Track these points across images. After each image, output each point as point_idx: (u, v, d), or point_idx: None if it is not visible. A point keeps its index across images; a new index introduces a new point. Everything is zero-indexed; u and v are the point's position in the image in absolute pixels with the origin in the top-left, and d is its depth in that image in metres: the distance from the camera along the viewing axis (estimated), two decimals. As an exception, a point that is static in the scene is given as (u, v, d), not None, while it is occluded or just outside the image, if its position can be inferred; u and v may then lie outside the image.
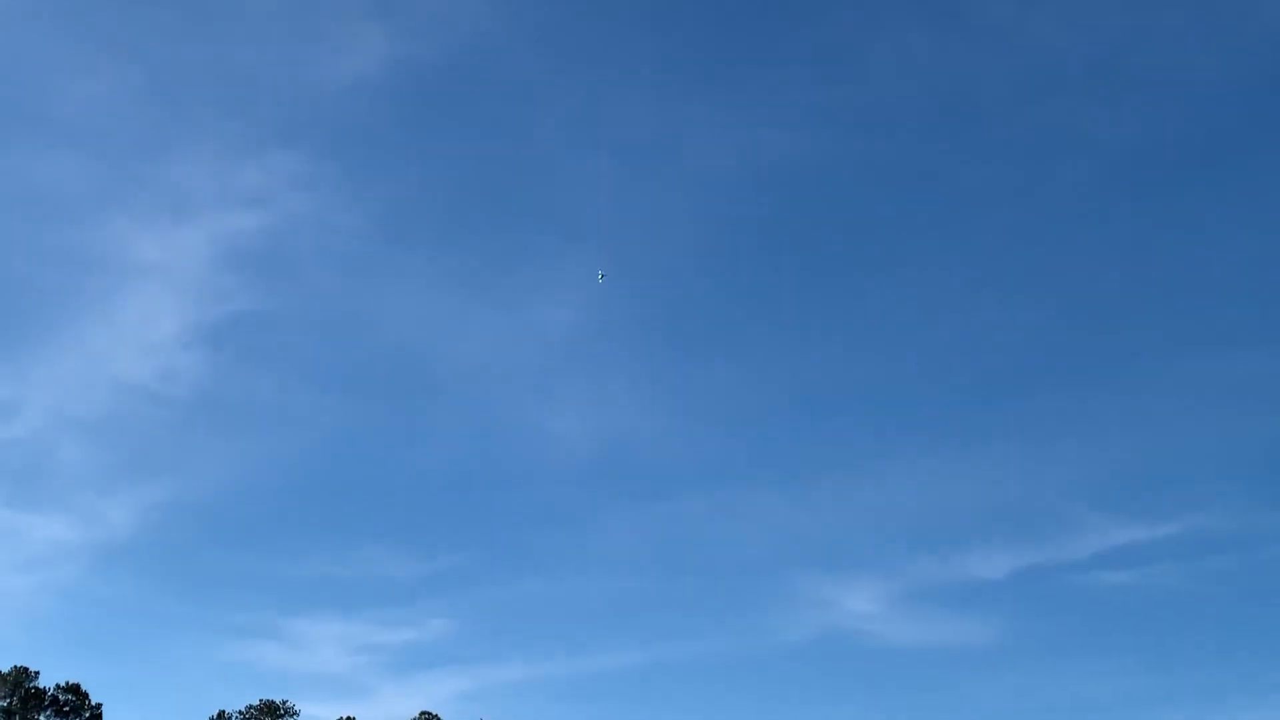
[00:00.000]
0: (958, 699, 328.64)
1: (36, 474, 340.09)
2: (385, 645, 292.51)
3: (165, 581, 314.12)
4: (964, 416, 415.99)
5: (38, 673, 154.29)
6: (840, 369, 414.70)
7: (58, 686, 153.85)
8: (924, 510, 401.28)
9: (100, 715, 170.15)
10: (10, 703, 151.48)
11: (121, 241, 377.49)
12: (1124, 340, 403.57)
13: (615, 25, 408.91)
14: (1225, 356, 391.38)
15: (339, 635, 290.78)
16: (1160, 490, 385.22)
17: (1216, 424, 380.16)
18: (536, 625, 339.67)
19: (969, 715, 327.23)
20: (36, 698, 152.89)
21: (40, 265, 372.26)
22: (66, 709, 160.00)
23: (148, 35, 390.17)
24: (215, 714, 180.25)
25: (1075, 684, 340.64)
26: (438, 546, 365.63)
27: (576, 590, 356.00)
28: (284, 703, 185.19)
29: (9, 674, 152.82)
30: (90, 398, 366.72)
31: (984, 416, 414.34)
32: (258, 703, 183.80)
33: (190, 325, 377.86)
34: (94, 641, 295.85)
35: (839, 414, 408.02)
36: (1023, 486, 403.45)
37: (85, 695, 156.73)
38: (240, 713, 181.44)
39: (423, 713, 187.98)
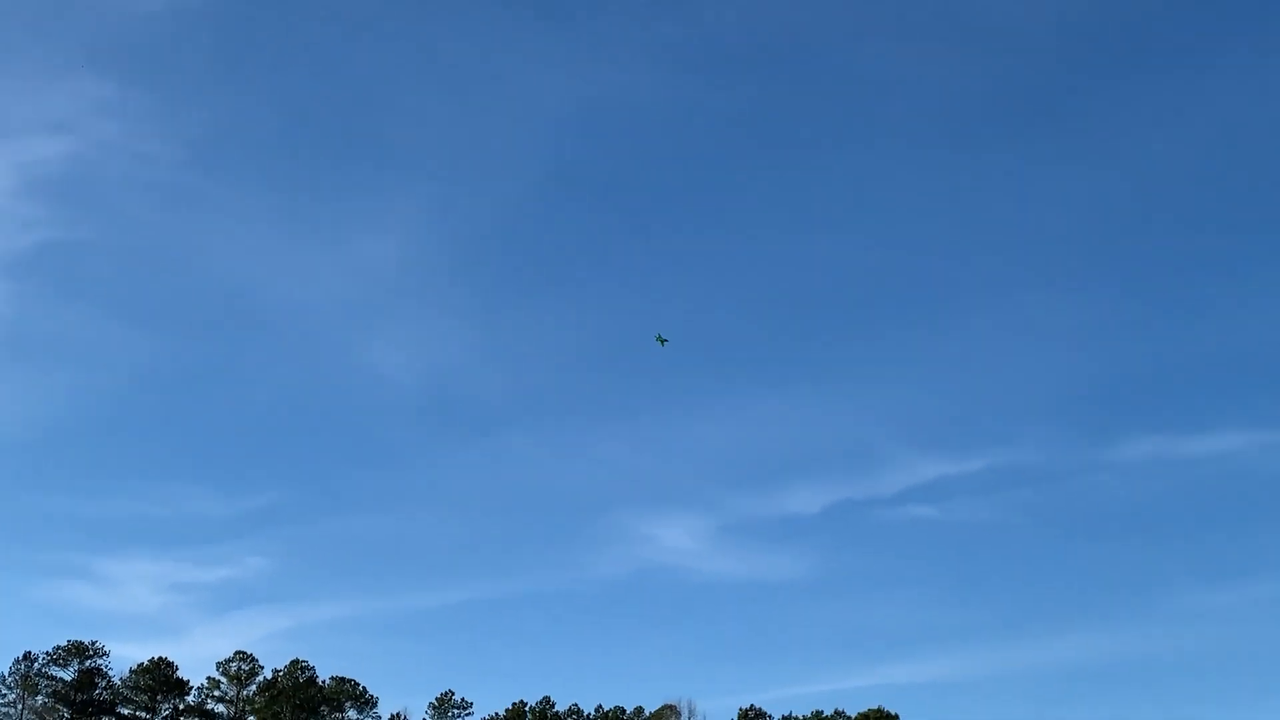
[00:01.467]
0: (773, 630, 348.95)
1: None
2: (199, 584, 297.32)
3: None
4: (782, 357, 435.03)
5: None
6: (663, 309, 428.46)
7: None
8: (741, 448, 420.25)
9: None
10: None
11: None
12: (935, 282, 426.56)
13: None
14: (1031, 298, 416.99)
15: (151, 574, 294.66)
16: (968, 427, 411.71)
17: (1022, 363, 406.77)
18: (357, 563, 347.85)
19: (784, 645, 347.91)
20: None
21: None
22: None
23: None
24: (21, 655, 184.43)
25: (886, 613, 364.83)
26: (255, 484, 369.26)
27: (399, 528, 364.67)
28: (93, 643, 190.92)
29: None
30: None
31: (801, 356, 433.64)
32: (65, 644, 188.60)
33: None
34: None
35: (661, 354, 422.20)
36: (837, 425, 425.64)
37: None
38: (48, 654, 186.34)
39: (237, 652, 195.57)
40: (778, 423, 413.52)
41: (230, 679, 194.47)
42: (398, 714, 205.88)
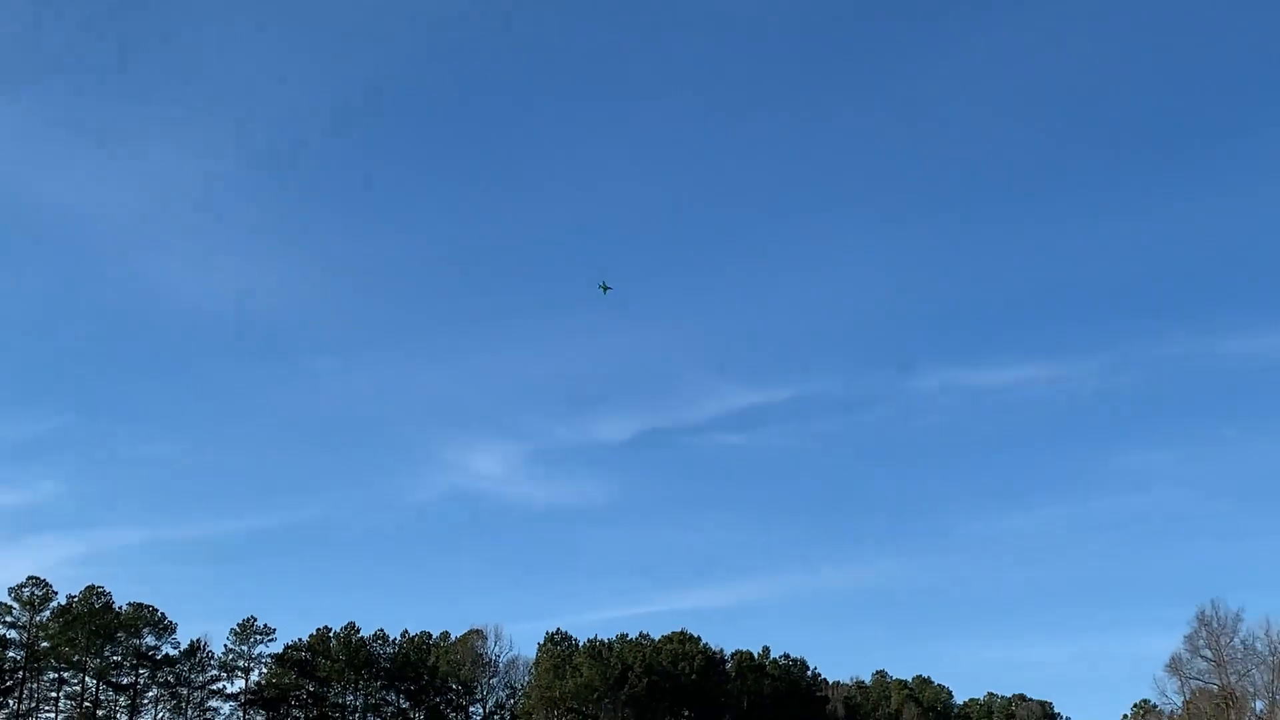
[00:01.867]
0: (581, 555, 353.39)
1: None
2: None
3: None
4: (590, 283, 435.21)
5: None
6: (476, 231, 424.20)
7: None
8: (553, 375, 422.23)
9: None
10: None
11: None
12: (740, 214, 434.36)
13: None
14: (836, 231, 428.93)
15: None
16: (774, 358, 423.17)
17: (825, 295, 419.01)
18: (155, 488, 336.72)
19: (592, 570, 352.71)
20: None
21: None
22: None
23: None
24: None
25: (693, 539, 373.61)
26: (45, 406, 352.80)
27: (198, 452, 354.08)
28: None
29: None
30: None
31: (613, 285, 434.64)
32: None
33: None
34: None
35: (470, 276, 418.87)
36: (646, 352, 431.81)
37: None
38: None
39: (30, 577, 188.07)
40: (589, 350, 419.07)
41: (23, 604, 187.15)
42: (197, 640, 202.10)
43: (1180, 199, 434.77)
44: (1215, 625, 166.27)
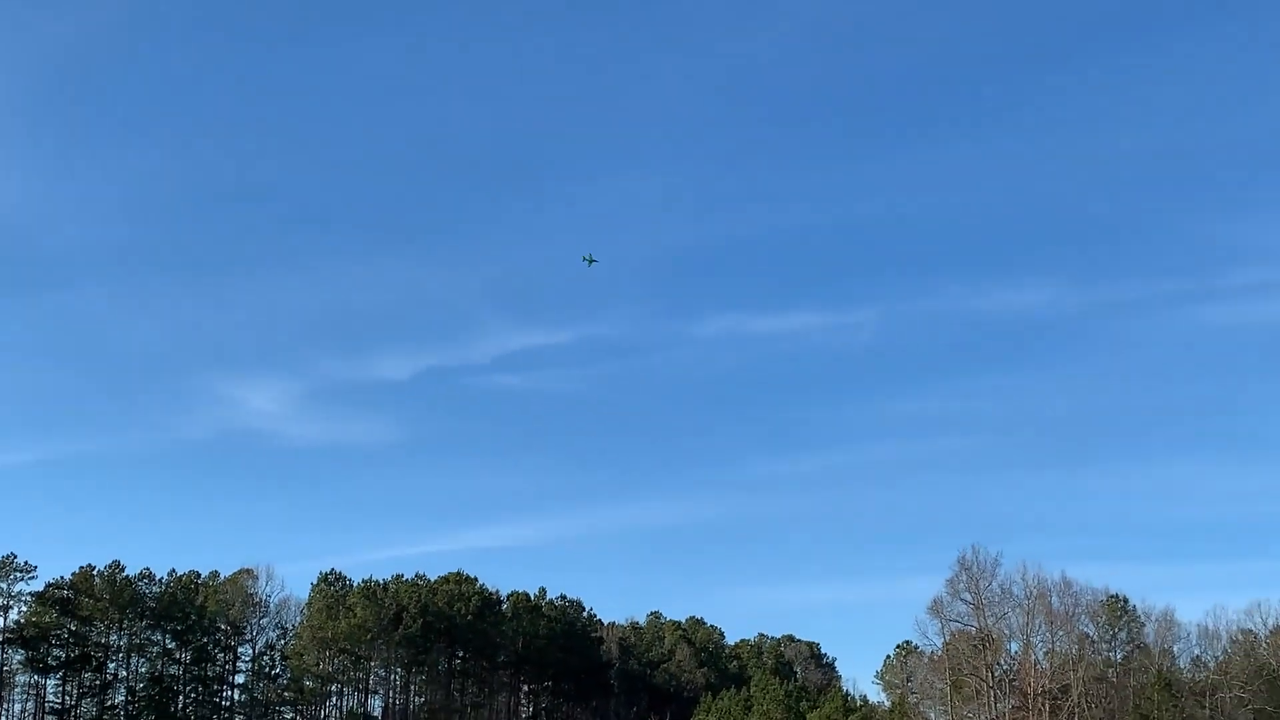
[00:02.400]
0: (359, 495, 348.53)
1: None
2: None
3: None
4: (374, 220, 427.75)
5: None
6: (261, 161, 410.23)
7: None
8: (331, 311, 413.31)
9: None
10: None
11: None
12: (528, 153, 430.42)
13: None
14: (621, 174, 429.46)
15: None
16: (557, 299, 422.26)
17: (610, 237, 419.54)
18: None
19: (370, 510, 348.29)
20: None
21: None
22: None
23: None
24: None
25: (473, 480, 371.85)
26: None
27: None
28: None
29: None
30: None
31: (394, 220, 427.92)
32: None
33: None
34: None
35: (249, 207, 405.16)
36: (428, 290, 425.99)
37: None
38: None
39: None
40: (369, 286, 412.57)
41: None
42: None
43: (958, 156, 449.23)
44: (975, 569, 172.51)
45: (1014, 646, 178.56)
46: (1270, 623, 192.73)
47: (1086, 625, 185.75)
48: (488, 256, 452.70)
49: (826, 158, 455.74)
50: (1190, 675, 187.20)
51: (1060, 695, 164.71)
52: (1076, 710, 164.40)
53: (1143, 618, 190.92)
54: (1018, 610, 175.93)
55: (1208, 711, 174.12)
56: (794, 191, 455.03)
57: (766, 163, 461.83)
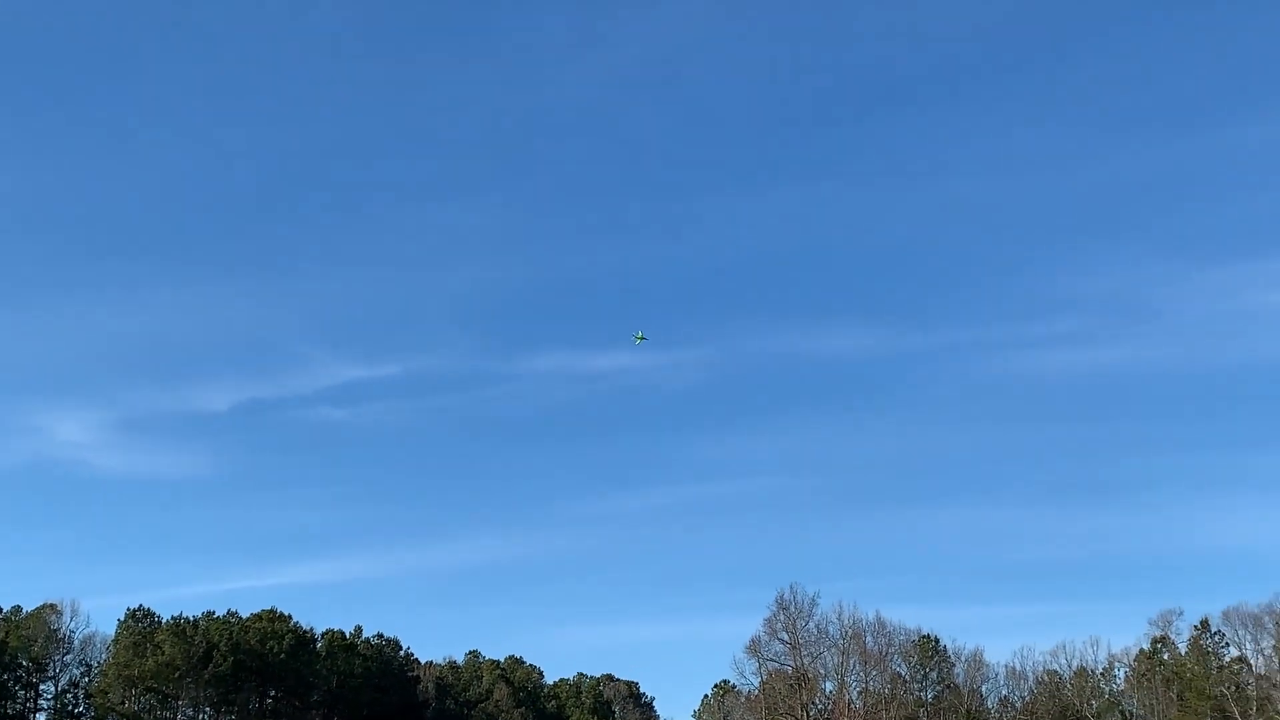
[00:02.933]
0: (172, 529, 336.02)
1: None
2: None
3: None
4: (190, 246, 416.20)
5: None
6: (73, 186, 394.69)
7: None
8: (146, 339, 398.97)
9: None
10: None
11: None
12: (355, 188, 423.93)
13: None
14: (450, 206, 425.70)
15: None
16: (384, 332, 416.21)
17: (440, 271, 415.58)
18: None
19: (183, 545, 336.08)
20: None
21: None
22: None
23: None
24: None
25: (293, 514, 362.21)
26: None
27: None
28: None
29: None
30: None
31: (217, 244, 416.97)
32: None
33: None
34: None
35: (59, 232, 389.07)
36: (251, 319, 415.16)
37: None
38: None
39: None
40: (186, 313, 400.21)
41: None
42: None
43: (786, 200, 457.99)
44: (793, 609, 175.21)
45: (829, 686, 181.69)
46: (1074, 664, 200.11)
47: (899, 665, 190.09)
48: (313, 288, 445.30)
49: (657, 198, 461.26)
50: (998, 715, 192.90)
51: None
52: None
53: (953, 658, 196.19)
54: (833, 650, 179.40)
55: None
56: (624, 229, 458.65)
57: (599, 201, 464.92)
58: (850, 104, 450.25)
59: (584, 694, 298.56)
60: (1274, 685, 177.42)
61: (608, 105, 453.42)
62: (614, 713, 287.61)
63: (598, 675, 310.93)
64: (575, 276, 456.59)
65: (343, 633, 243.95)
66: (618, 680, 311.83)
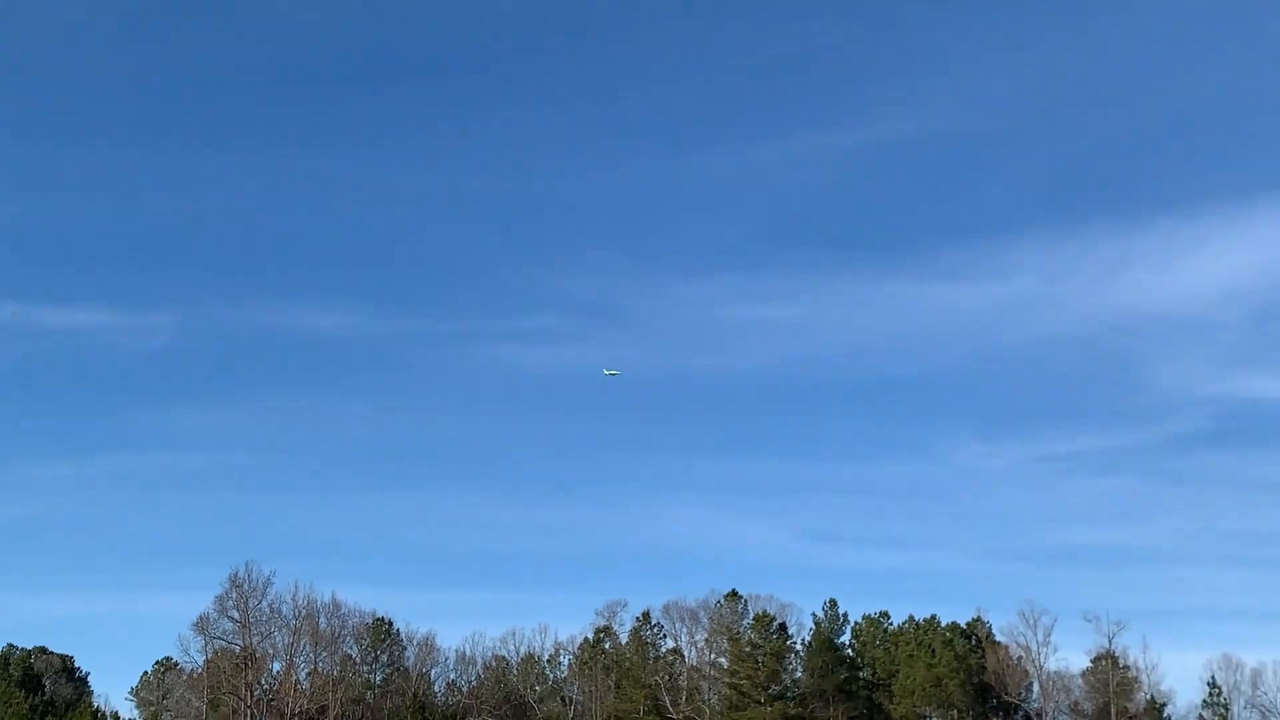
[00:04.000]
0: None
1: None
2: None
3: None
4: None
5: None
6: None
7: None
8: None
9: None
10: None
11: None
12: None
13: None
14: None
15: None
16: None
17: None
18: None
19: None
20: None
21: None
22: None
23: None
24: None
25: None
26: None
27: None
28: None
29: None
30: None
31: None
32: None
33: None
34: None
35: None
36: None
37: None
38: None
39: None
40: None
41: None
42: None
43: (267, 168, 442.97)
44: (246, 587, 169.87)
45: (277, 666, 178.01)
46: (522, 650, 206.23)
47: (351, 647, 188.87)
48: None
49: (119, 148, 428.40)
50: (445, 699, 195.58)
51: (318, 716, 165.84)
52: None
53: (405, 642, 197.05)
54: (285, 630, 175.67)
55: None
56: (93, 181, 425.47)
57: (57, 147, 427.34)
58: (333, 79, 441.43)
59: (13, 666, 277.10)
60: (703, 676, 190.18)
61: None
62: (45, 687, 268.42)
63: (29, 647, 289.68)
64: (34, 223, 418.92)
65: None
66: (51, 653, 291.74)
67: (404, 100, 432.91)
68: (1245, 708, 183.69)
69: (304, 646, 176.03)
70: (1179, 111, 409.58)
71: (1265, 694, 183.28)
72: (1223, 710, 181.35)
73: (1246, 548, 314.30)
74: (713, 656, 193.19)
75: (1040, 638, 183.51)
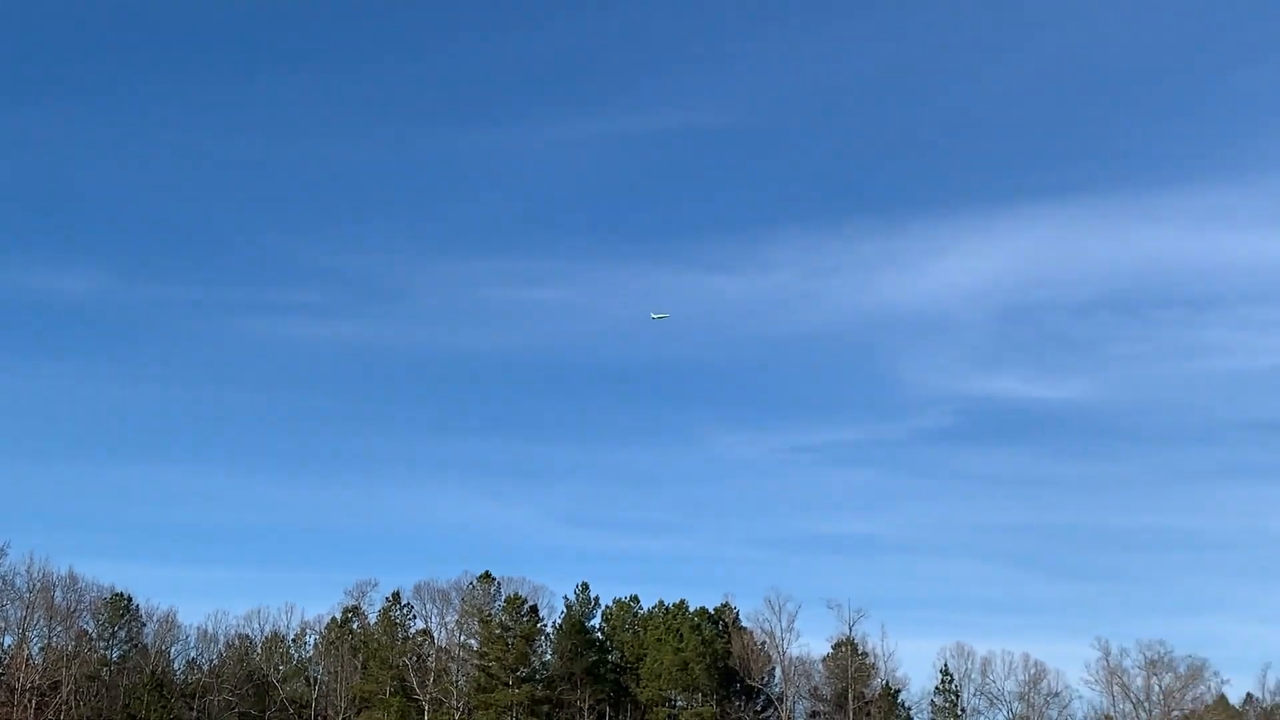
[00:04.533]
0: None
1: None
2: None
3: None
4: None
5: None
6: None
7: None
8: None
9: None
10: None
11: None
12: None
13: None
14: None
15: None
16: None
17: None
18: None
19: None
20: None
21: None
22: None
23: None
24: None
25: None
26: None
27: None
28: None
29: None
30: None
31: None
32: None
33: None
34: None
35: None
36: None
37: None
38: None
39: None
40: None
41: None
42: None
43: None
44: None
45: (9, 640, 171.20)
46: (267, 629, 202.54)
47: (88, 622, 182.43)
48: None
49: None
50: (184, 677, 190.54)
51: (50, 692, 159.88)
52: (65, 708, 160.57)
53: (145, 618, 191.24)
54: (18, 603, 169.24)
55: (195, 713, 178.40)
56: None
57: None
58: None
59: None
60: (451, 658, 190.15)
61: None
62: None
63: None
64: None
65: None
66: None
67: (159, 61, 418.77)
68: (975, 695, 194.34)
69: (38, 620, 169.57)
70: (937, 118, 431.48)
71: (994, 682, 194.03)
72: (953, 697, 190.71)
73: (984, 539, 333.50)
74: (463, 638, 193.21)
75: (784, 624, 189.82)
